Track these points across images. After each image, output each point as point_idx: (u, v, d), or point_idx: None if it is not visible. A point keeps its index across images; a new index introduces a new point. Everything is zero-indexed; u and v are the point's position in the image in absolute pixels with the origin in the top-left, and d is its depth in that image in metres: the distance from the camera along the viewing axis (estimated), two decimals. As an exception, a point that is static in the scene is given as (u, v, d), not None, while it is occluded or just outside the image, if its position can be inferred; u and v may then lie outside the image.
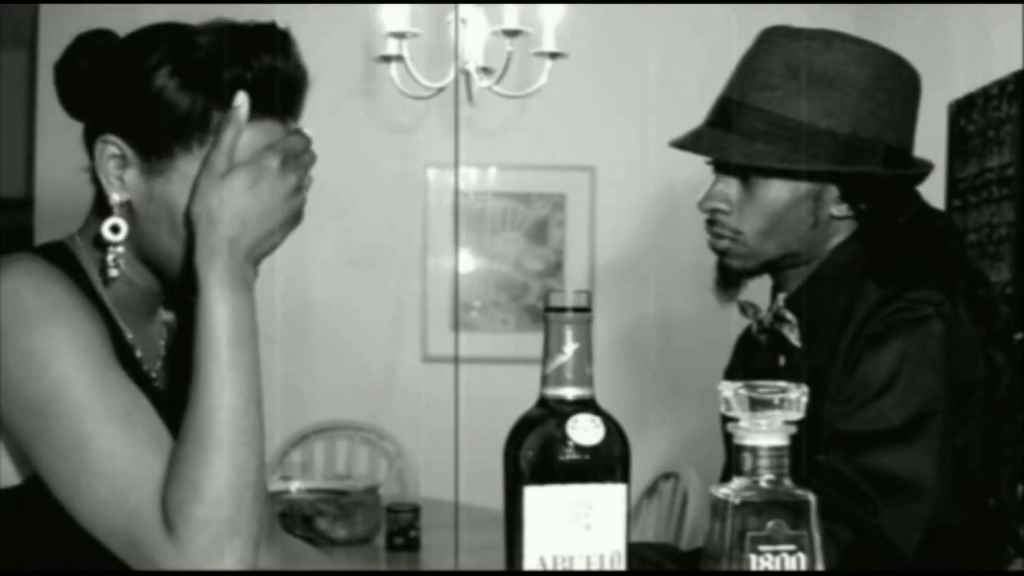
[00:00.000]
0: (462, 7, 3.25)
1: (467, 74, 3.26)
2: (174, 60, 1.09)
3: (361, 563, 2.53)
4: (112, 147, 1.11)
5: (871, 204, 1.42)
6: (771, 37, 1.44)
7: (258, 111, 1.09)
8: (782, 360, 1.44)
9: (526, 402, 0.88)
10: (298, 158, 1.09)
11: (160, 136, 1.09)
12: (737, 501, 0.81)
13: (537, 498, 0.81)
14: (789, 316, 1.42)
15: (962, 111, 3.71)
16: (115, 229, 1.11)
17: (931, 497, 1.29)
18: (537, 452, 0.82)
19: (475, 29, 3.24)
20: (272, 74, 1.10)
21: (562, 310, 0.85)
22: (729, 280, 1.49)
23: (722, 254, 1.46)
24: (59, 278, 1.08)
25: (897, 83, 1.43)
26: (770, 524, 0.81)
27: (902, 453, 1.28)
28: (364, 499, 2.70)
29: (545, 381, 0.85)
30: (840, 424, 1.30)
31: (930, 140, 3.88)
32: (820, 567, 0.82)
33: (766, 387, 0.83)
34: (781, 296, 1.44)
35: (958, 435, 1.33)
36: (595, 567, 0.81)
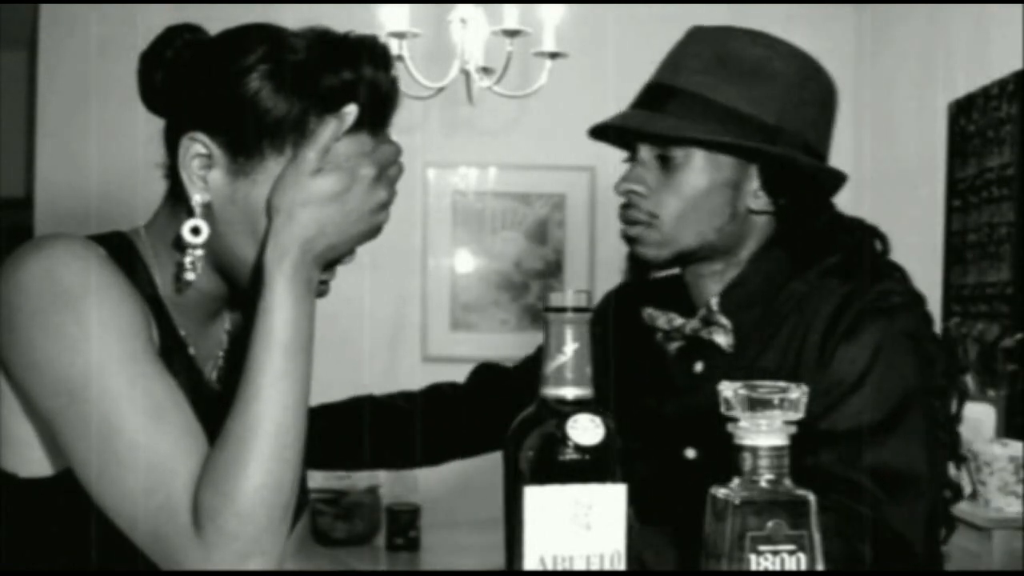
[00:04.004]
0: (462, 7, 3.25)
1: (467, 74, 3.26)
2: (271, 62, 1.06)
3: (361, 563, 2.53)
4: (199, 145, 1.07)
5: (790, 199, 1.41)
6: (700, 32, 1.46)
7: (355, 122, 1.06)
8: (699, 366, 1.41)
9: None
10: (388, 170, 1.08)
11: (252, 138, 1.05)
12: (737, 501, 0.81)
13: (537, 498, 0.81)
14: (723, 320, 1.39)
15: (962, 111, 3.71)
16: (196, 231, 1.07)
17: (927, 484, 1.29)
18: (537, 452, 0.82)
19: (475, 29, 3.24)
20: (373, 86, 1.08)
21: (562, 310, 0.85)
22: (640, 272, 1.46)
23: (634, 241, 1.42)
24: (102, 261, 1.04)
25: (818, 87, 1.44)
26: (770, 524, 0.81)
27: (893, 445, 1.28)
28: (364, 499, 2.70)
29: (545, 381, 0.85)
30: (824, 424, 1.28)
31: (930, 140, 3.90)
32: (820, 567, 0.82)
33: (766, 387, 0.83)
34: (713, 300, 1.41)
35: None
36: (595, 567, 0.81)
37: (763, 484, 0.82)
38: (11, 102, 5.19)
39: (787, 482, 0.83)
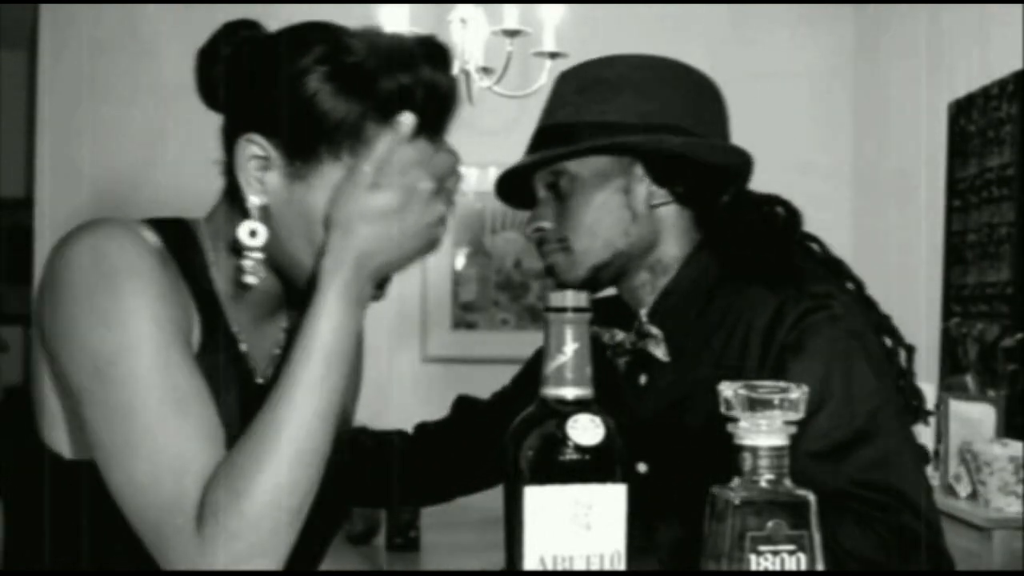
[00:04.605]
0: (462, 7, 3.25)
1: (467, 74, 3.26)
2: (330, 64, 1.04)
3: (361, 563, 2.53)
4: (256, 147, 1.06)
5: (685, 185, 1.43)
6: (563, 74, 1.51)
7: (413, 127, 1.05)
8: (643, 379, 1.42)
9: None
10: (446, 181, 1.06)
11: (309, 140, 1.04)
12: (737, 501, 0.81)
13: (537, 498, 0.81)
14: (654, 331, 1.40)
15: (962, 111, 3.70)
16: (253, 233, 1.06)
17: (919, 480, 1.29)
18: (537, 452, 0.82)
19: (475, 29, 3.24)
20: (432, 89, 1.06)
21: (562, 310, 0.85)
22: None
23: (552, 270, 1.46)
24: (151, 249, 1.04)
25: (686, 81, 1.47)
26: (770, 524, 0.81)
27: (880, 448, 1.27)
28: (364, 499, 2.70)
29: (545, 381, 0.85)
30: (806, 445, 1.23)
31: (930, 140, 3.90)
32: (820, 567, 0.82)
33: (766, 387, 0.83)
34: (643, 311, 1.42)
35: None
36: (595, 567, 0.81)
37: (763, 484, 0.82)
38: (11, 102, 5.19)
39: (787, 482, 0.83)
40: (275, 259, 1.09)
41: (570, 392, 0.84)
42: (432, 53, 1.08)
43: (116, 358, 0.98)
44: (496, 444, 0.96)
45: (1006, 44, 3.40)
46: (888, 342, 1.44)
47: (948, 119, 3.79)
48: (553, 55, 3.21)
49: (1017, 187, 3.35)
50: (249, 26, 1.12)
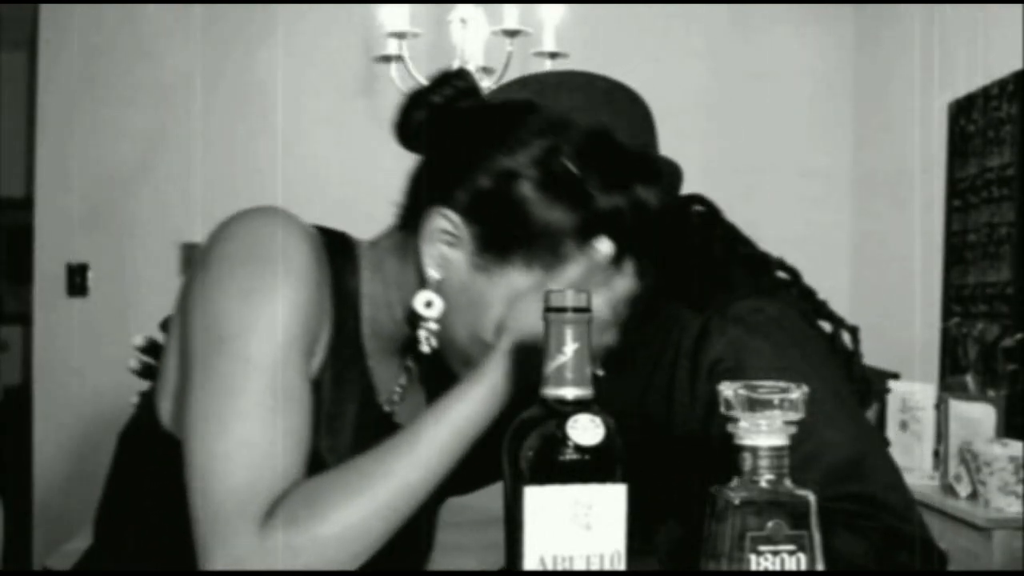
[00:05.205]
0: (462, 7, 3.25)
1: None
2: (545, 170, 1.03)
3: (361, 563, 2.52)
4: (449, 224, 1.05)
5: None
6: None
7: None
8: None
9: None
10: (617, 307, 1.06)
11: (507, 241, 1.03)
12: (737, 501, 0.81)
13: (537, 498, 0.81)
14: None
15: (962, 111, 3.71)
16: (429, 304, 1.06)
17: (890, 478, 1.26)
18: (537, 452, 0.82)
19: (475, 29, 3.24)
20: (641, 213, 1.05)
21: (562, 310, 0.84)
22: None
23: None
24: (311, 246, 1.04)
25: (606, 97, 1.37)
26: (770, 524, 0.81)
27: (842, 456, 1.23)
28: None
29: (545, 381, 0.85)
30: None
31: (930, 140, 3.90)
32: (820, 567, 0.82)
33: (766, 387, 0.83)
34: None
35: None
36: (595, 567, 0.81)
37: (763, 484, 0.82)
38: (11, 102, 5.20)
39: (787, 482, 0.83)
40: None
41: (570, 392, 0.84)
42: (648, 172, 1.07)
43: (240, 334, 0.98)
44: (489, 444, 0.96)
45: (1006, 44, 3.40)
46: (828, 328, 1.38)
47: (948, 119, 3.79)
48: (553, 55, 3.21)
49: (1017, 187, 3.35)
50: (462, 76, 1.11)
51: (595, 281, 1.03)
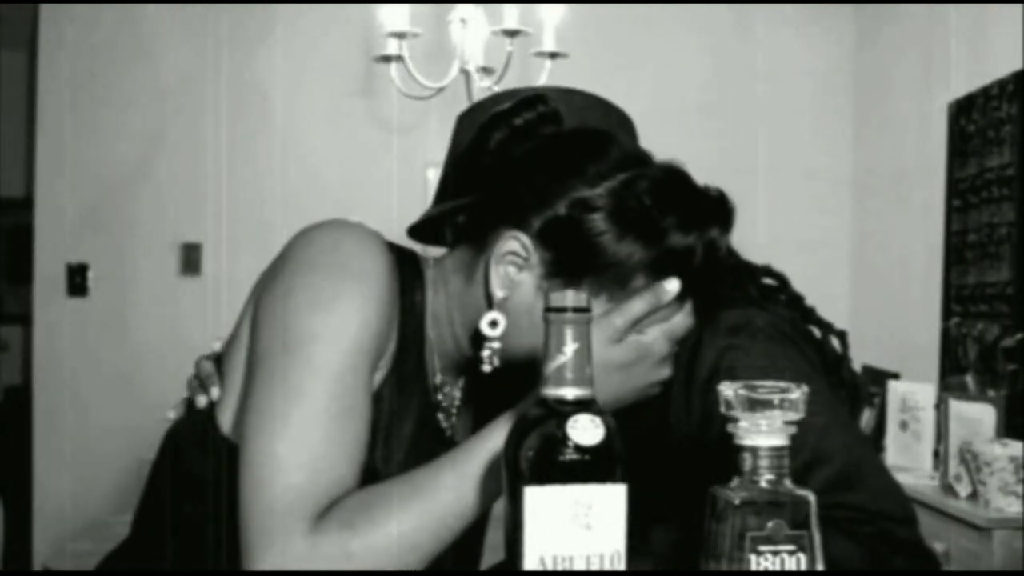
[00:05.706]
0: (462, 7, 3.25)
1: (467, 74, 3.26)
2: (621, 205, 1.04)
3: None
4: (519, 246, 1.06)
5: None
6: (460, 117, 1.45)
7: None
8: None
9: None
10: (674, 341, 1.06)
11: (577, 270, 1.04)
12: (737, 501, 0.81)
13: (537, 498, 0.81)
14: None
15: (962, 111, 3.71)
16: (494, 324, 1.07)
17: (883, 484, 1.26)
18: (537, 452, 0.82)
19: (475, 29, 3.24)
20: (711, 253, 1.06)
21: (562, 310, 0.84)
22: None
23: None
24: (385, 261, 1.06)
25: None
26: (770, 524, 0.81)
27: (835, 466, 1.23)
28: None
29: (545, 381, 0.85)
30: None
31: (930, 140, 3.90)
32: (820, 567, 0.82)
33: (766, 387, 0.83)
34: None
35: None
36: (595, 567, 0.81)
37: (763, 484, 0.82)
38: (11, 102, 5.20)
39: (787, 482, 0.83)
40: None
41: (570, 392, 0.84)
42: (725, 215, 1.08)
43: (310, 340, 1.00)
44: None
45: (1006, 44, 3.40)
46: (817, 333, 1.38)
47: (948, 119, 3.79)
48: (553, 55, 3.21)
49: (1017, 187, 3.35)
50: (543, 100, 1.12)
51: (657, 317, 1.05)
